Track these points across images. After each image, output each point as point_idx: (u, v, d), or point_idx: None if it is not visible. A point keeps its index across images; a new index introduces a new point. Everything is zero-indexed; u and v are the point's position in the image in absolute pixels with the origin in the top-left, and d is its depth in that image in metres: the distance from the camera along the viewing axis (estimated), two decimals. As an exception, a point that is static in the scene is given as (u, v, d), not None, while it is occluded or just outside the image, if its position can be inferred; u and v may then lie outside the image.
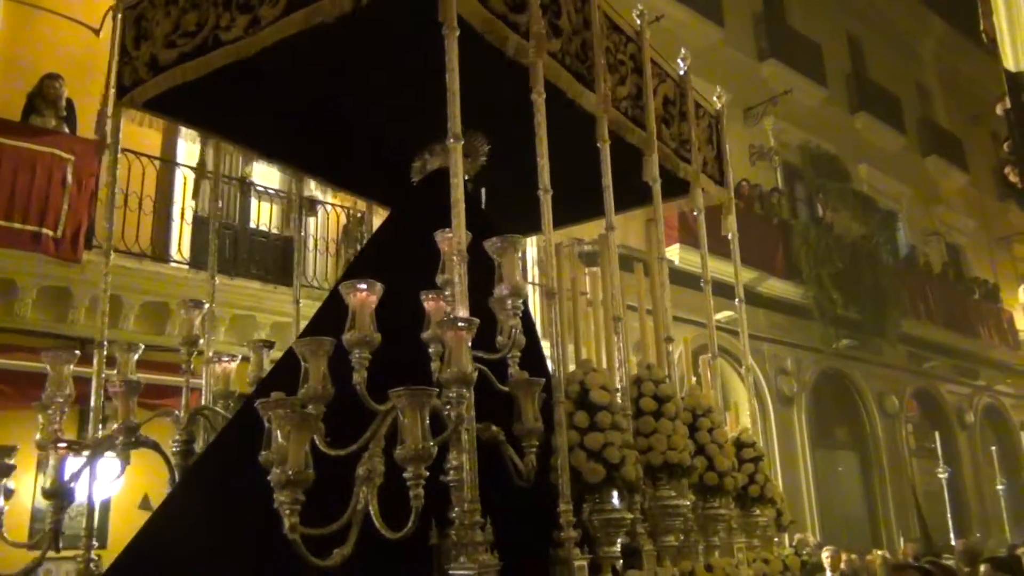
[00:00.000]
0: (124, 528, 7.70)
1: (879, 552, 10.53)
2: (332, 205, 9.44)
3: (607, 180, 3.75)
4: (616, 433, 3.15)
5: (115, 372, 3.97)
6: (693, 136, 4.63)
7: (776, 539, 4.55)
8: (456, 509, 2.56)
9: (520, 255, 3.41)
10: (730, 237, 5.04)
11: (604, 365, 3.74)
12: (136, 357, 3.99)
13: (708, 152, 4.91)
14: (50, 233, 7.40)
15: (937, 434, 14.13)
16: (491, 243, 3.02)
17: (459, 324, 2.58)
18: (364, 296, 2.64)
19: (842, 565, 8.99)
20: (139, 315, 8.05)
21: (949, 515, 12.39)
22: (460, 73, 2.95)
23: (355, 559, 2.31)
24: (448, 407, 2.59)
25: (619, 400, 3.42)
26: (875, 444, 15.81)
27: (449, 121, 2.91)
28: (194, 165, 8.84)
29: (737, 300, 5.06)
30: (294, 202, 5.24)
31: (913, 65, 21.41)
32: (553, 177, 3.24)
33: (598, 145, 3.73)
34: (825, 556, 8.79)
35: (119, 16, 3.93)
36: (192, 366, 4.30)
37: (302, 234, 9.48)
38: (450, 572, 2.53)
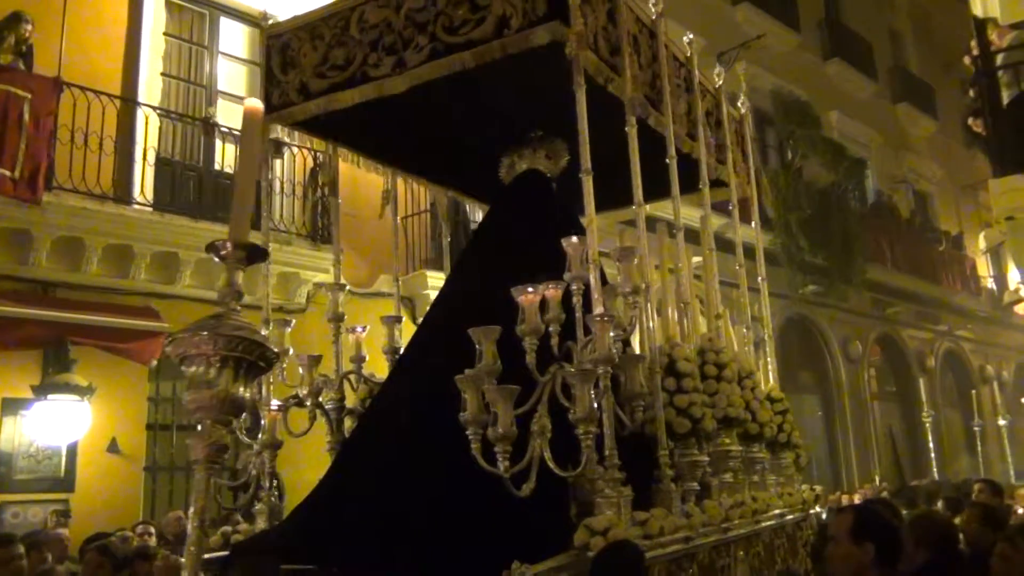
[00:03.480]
0: (92, 472, 7.70)
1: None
2: (298, 147, 9.30)
3: (675, 190, 4.45)
4: (698, 394, 3.99)
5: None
6: (728, 141, 5.53)
7: (795, 477, 5.46)
8: (590, 454, 3.23)
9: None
10: (753, 225, 6.15)
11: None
12: (289, 330, 4.65)
13: (736, 154, 5.77)
14: (7, 173, 7.21)
15: (922, 381, 14.41)
16: (615, 251, 3.81)
17: (604, 318, 3.39)
18: (532, 297, 3.37)
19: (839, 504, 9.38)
20: (102, 258, 7.91)
21: (933, 454, 12.79)
22: (534, 89, 3.85)
23: (506, 495, 2.99)
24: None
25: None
26: (838, 388, 16.13)
27: (581, 159, 3.62)
28: (155, 104, 8.65)
29: (760, 278, 6.11)
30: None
31: (886, 11, 21.32)
32: (603, 166, 3.71)
33: (667, 162, 4.40)
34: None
35: (265, 44, 4.63)
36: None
37: (268, 176, 9.37)
38: (597, 500, 3.27)
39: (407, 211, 9.95)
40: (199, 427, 1.53)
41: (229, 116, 9.41)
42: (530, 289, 3.37)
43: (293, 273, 8.90)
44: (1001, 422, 13.87)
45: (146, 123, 8.36)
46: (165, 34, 9.11)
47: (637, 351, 4.17)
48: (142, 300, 8.15)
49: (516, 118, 4.65)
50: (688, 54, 5.05)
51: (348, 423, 4.70)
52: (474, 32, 3.81)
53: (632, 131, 3.95)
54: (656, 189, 4.29)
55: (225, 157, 9.07)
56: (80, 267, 7.84)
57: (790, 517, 4.93)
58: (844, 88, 18.52)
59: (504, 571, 2.83)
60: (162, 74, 8.99)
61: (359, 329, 4.90)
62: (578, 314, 3.57)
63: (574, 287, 3.57)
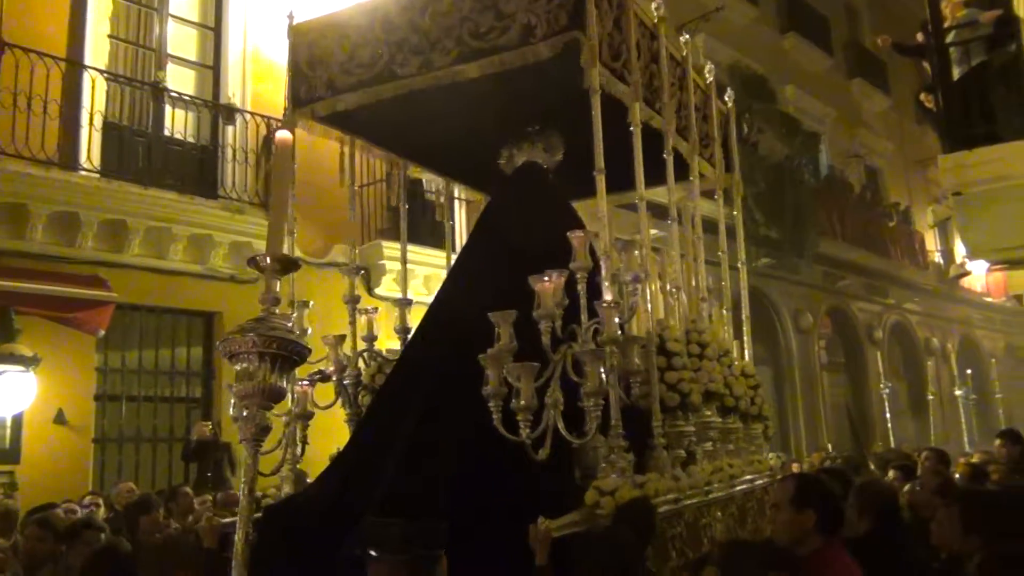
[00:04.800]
0: (38, 444, 7.55)
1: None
2: (252, 113, 9.13)
3: (671, 182, 4.79)
4: (686, 371, 4.44)
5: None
6: (715, 135, 6.02)
7: (763, 446, 5.94)
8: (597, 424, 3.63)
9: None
10: (735, 214, 6.76)
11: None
12: (306, 312, 4.92)
13: (719, 144, 6.15)
14: (-54, 137, 6.98)
15: (878, 354, 14.69)
16: (617, 243, 4.17)
17: (611, 304, 3.78)
18: (548, 285, 3.72)
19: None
20: (47, 225, 7.70)
21: (890, 424, 13.15)
22: (538, 86, 4.24)
23: (518, 461, 3.44)
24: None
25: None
26: (788, 359, 16.39)
27: (596, 160, 3.97)
28: (102, 67, 8.40)
29: (740, 263, 6.74)
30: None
31: (843, -15, 21.46)
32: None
33: (664, 156, 4.77)
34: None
35: (291, 40, 4.89)
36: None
37: (220, 143, 9.18)
38: (602, 465, 3.70)
39: (363, 180, 9.82)
40: (244, 412, 1.84)
41: (179, 80, 9.19)
42: (546, 278, 3.72)
43: (246, 243, 8.75)
44: (957, 392, 14.26)
45: (92, 87, 8.12)
46: (112, -6, 8.83)
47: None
48: (90, 269, 7.97)
49: (516, 112, 4.95)
50: (684, 53, 5.45)
51: (362, 397, 5.05)
52: (500, 39, 4.17)
53: (637, 130, 4.28)
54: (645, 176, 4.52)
55: (175, 123, 8.85)
56: (25, 234, 7.63)
57: (759, 482, 5.38)
58: (800, 62, 18.65)
59: (531, 525, 3.17)
60: (109, 36, 8.71)
61: (370, 309, 5.33)
62: (583, 300, 3.85)
63: (578, 275, 3.89)
